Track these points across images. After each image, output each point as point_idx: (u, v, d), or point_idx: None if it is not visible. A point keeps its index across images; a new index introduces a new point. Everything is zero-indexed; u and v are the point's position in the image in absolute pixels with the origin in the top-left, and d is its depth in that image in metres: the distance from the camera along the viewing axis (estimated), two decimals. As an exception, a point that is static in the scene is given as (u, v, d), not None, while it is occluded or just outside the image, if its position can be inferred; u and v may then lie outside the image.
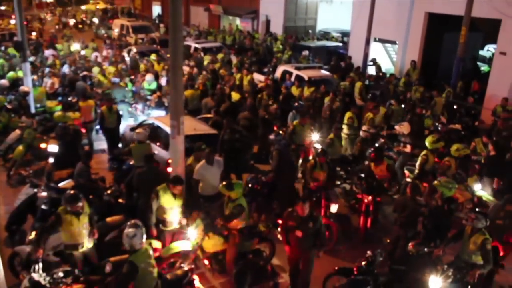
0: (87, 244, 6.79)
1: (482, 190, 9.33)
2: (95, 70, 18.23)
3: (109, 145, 12.21)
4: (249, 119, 12.19)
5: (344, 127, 11.79)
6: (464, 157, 9.66)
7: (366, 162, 10.20)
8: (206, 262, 7.48)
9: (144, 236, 5.80)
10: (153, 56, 20.16)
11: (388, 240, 8.02)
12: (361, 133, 11.33)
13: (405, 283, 6.85)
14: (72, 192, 6.72)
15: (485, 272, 6.69)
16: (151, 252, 5.94)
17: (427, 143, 9.84)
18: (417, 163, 9.71)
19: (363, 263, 6.78)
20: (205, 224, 7.58)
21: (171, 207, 7.35)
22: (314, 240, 6.80)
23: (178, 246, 7.26)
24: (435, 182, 8.06)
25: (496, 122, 12.67)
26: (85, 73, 17.73)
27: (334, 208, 8.73)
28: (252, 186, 9.42)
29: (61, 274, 6.12)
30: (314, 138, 10.98)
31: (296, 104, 13.12)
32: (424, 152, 9.66)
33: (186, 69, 18.09)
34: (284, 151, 9.89)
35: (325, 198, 8.73)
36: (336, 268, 7.09)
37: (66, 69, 18.60)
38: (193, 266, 6.82)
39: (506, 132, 11.12)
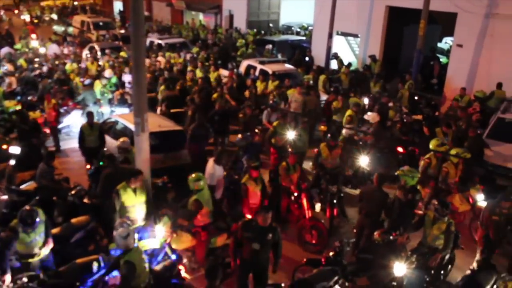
0: (43, 252, 6.59)
1: (484, 201, 8.61)
2: (69, 68, 17.80)
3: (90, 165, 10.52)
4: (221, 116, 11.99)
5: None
6: (465, 161, 9.12)
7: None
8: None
9: (136, 235, 5.84)
10: (123, 53, 19.78)
11: (355, 230, 8.18)
12: (343, 131, 10.94)
13: (372, 271, 7.03)
14: (27, 208, 6.46)
15: (445, 255, 6.92)
16: (142, 249, 6.04)
17: (431, 146, 9.55)
18: (420, 167, 9.34)
19: (331, 253, 6.91)
20: (173, 221, 7.54)
21: (133, 204, 7.27)
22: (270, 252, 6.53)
23: (146, 244, 7.20)
24: (398, 171, 8.24)
25: (449, 112, 13.13)
26: (38, 71, 17.23)
27: (318, 207, 8.80)
28: (226, 185, 9.38)
29: (25, 280, 5.97)
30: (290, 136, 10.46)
31: (270, 101, 12.85)
32: (427, 155, 9.37)
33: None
34: (253, 151, 10.02)
35: (307, 199, 8.61)
36: (305, 259, 7.19)
37: (45, 68, 18.05)
38: (178, 257, 6.90)
39: (463, 121, 11.46)
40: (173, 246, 7.25)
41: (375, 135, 11.08)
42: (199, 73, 16.20)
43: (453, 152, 9.13)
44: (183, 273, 6.76)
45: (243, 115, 12.19)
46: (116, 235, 5.73)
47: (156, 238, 7.16)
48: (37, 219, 6.36)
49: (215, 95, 13.19)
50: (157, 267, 6.52)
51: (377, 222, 7.88)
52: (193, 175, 7.53)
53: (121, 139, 9.41)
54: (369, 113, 12.57)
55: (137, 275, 5.69)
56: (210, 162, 8.65)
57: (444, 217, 6.82)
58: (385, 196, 7.90)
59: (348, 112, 11.73)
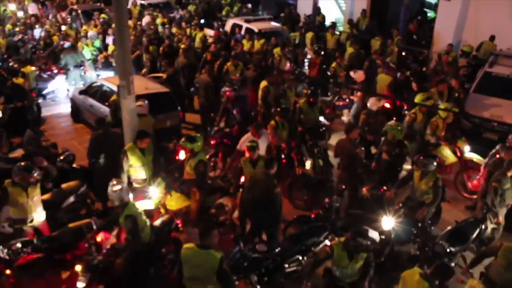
0: (38, 218, 6.52)
1: (471, 152, 9.01)
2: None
3: None
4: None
5: None
6: (454, 115, 9.27)
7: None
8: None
9: (130, 193, 6.08)
10: (103, 15, 19.28)
11: (343, 187, 8.29)
12: (368, 103, 9.62)
13: (361, 225, 7.18)
14: (22, 163, 6.39)
15: (432, 209, 7.10)
16: (136, 204, 6.20)
17: (416, 100, 9.63)
18: (406, 121, 9.39)
19: (321, 210, 7.04)
20: (167, 182, 7.60)
21: (142, 164, 7.28)
22: None
23: (141, 205, 7.29)
24: (385, 126, 8.27)
25: (436, 67, 13.12)
26: (20, 36, 16.78)
27: (308, 164, 8.86)
28: (219, 139, 9.43)
29: (19, 245, 6.01)
30: None
31: (296, 71, 12.44)
32: (413, 110, 9.43)
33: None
34: (242, 103, 10.02)
35: (297, 156, 8.68)
36: (295, 216, 7.33)
37: (39, 32, 17.57)
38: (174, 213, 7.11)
39: (450, 76, 11.47)
40: (168, 206, 7.35)
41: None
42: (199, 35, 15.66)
43: (442, 106, 9.20)
44: (181, 228, 6.93)
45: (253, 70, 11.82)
46: (109, 191, 5.89)
47: (151, 199, 7.25)
48: (35, 172, 6.28)
49: (229, 64, 12.02)
50: (156, 223, 6.68)
51: (355, 175, 7.84)
52: (184, 138, 7.53)
53: (138, 103, 8.49)
54: (357, 71, 12.47)
55: (140, 228, 5.81)
56: (248, 133, 8.41)
57: (424, 169, 6.94)
58: (355, 146, 7.87)
59: (388, 80, 11.07)
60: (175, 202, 7.44)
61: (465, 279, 6.03)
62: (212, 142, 9.42)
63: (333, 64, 12.51)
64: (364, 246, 5.33)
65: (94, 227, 6.50)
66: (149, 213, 7.08)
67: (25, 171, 6.24)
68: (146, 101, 8.78)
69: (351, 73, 12.44)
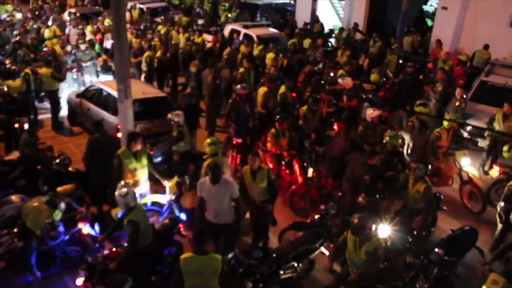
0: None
1: (470, 166, 8.78)
2: (48, 35, 17.36)
3: None
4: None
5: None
6: (456, 128, 9.23)
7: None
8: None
9: (138, 195, 6.03)
10: (108, 20, 19.25)
11: (340, 194, 8.28)
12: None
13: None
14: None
15: (428, 217, 7.09)
16: (144, 208, 6.22)
17: (414, 108, 9.58)
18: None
19: (317, 216, 7.03)
20: (182, 181, 7.66)
21: (134, 168, 7.29)
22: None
23: (152, 197, 7.38)
24: (385, 138, 8.25)
25: (430, 75, 13.19)
26: (18, 38, 16.75)
27: (310, 172, 8.84)
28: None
29: None
30: None
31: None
32: (411, 118, 9.38)
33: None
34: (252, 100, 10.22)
35: (299, 164, 8.65)
36: (291, 223, 7.31)
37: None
38: (188, 215, 7.14)
39: (440, 83, 11.51)
40: (182, 204, 7.42)
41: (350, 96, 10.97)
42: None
43: (447, 116, 9.26)
44: (183, 231, 6.93)
45: None
46: (116, 195, 5.86)
47: (164, 194, 7.32)
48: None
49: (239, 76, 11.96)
50: (158, 225, 6.70)
51: (357, 187, 7.74)
52: (208, 140, 7.58)
53: (176, 113, 8.64)
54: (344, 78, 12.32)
55: (140, 233, 5.79)
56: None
57: (414, 173, 7.01)
58: (366, 172, 7.78)
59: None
60: (191, 199, 7.47)
61: (485, 272, 5.98)
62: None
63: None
64: (367, 228, 5.59)
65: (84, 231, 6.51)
66: (160, 212, 7.22)
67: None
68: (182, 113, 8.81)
69: (339, 80, 12.20)
